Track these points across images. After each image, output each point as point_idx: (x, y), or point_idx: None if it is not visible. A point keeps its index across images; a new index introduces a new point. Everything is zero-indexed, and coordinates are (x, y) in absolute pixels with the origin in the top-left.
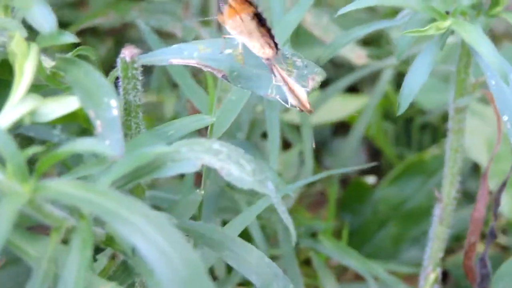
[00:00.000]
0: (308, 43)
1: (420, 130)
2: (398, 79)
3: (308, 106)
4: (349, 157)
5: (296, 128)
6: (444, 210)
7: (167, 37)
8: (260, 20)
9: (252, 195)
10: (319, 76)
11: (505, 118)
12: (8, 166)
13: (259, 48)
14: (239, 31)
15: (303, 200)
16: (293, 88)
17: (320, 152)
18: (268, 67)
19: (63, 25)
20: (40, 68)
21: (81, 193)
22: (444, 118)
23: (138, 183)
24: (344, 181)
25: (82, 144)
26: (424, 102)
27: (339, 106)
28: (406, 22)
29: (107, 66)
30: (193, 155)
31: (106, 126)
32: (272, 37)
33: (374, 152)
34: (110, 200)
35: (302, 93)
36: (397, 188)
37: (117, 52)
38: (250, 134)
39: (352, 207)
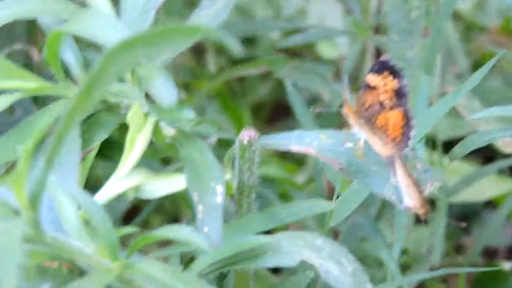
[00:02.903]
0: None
1: None
2: None
3: (423, 211)
4: (495, 233)
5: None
6: None
7: (312, 99)
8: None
9: None
10: (438, 183)
11: None
12: (101, 243)
13: (381, 145)
14: (361, 126)
15: None
16: (413, 189)
17: (470, 223)
18: (388, 165)
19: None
20: (158, 135)
21: (169, 279)
22: None
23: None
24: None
25: (177, 232)
26: None
27: (490, 186)
28: None
29: None
30: (295, 249)
31: (207, 213)
32: (407, 131)
33: None
34: None
35: (420, 196)
36: None
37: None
38: (381, 210)
39: None
